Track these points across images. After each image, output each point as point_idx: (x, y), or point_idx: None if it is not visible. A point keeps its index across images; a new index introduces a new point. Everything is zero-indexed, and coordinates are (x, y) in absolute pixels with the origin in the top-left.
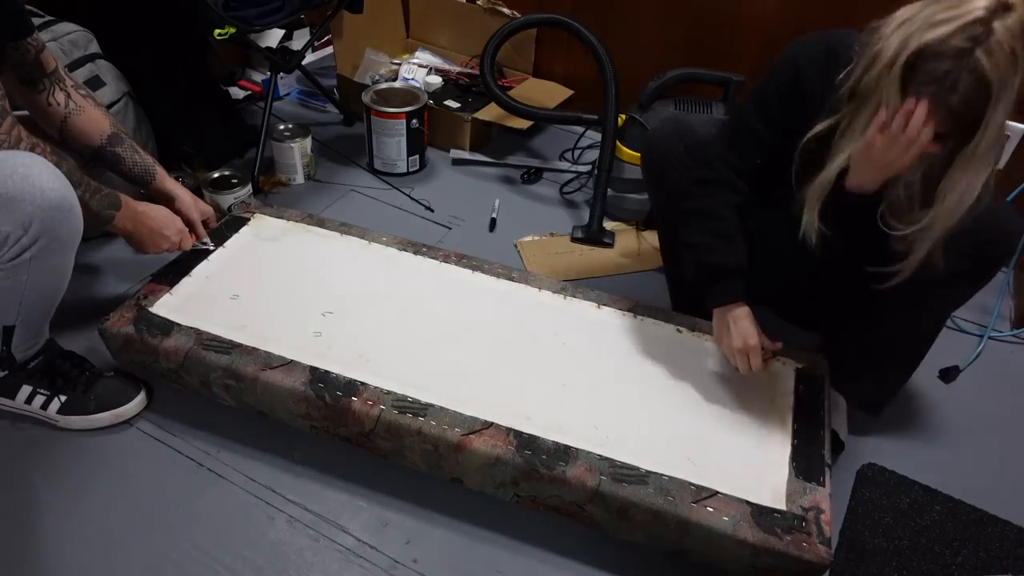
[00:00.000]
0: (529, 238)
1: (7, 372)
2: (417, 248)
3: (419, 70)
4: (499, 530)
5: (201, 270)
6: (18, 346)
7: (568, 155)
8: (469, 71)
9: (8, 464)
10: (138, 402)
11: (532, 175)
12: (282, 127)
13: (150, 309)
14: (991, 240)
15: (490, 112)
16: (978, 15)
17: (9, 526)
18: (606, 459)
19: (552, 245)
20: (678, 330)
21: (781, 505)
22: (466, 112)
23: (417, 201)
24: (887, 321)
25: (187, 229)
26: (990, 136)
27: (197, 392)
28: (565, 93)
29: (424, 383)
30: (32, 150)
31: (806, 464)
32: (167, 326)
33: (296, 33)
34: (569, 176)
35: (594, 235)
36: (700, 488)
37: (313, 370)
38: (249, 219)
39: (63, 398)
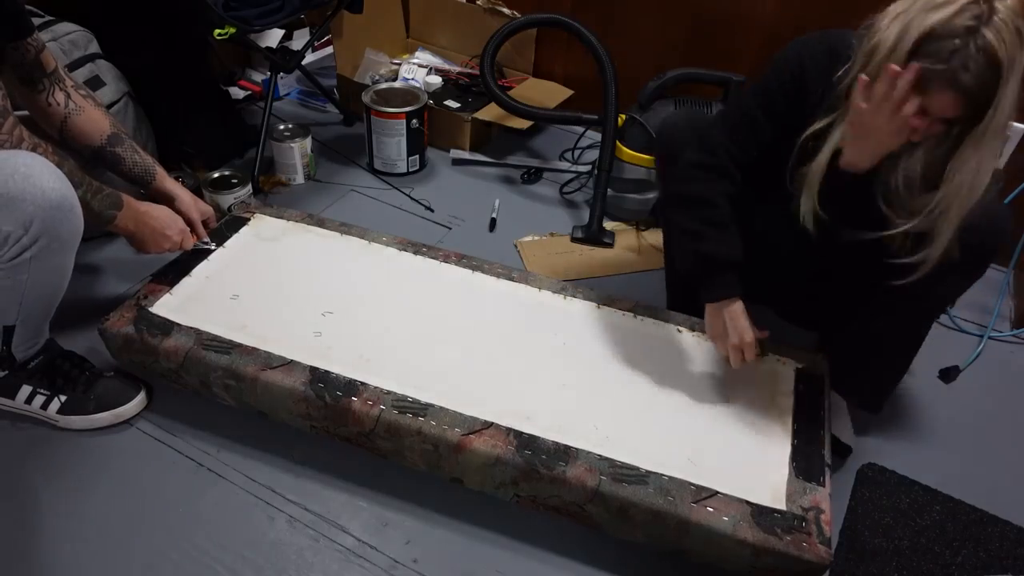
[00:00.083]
0: (529, 238)
1: (7, 372)
2: (417, 248)
3: (419, 70)
4: (499, 530)
5: (201, 270)
6: (18, 346)
7: (568, 155)
8: (469, 71)
9: (8, 464)
10: (138, 402)
11: (532, 175)
12: (282, 127)
13: (150, 309)
14: (978, 228)
15: (490, 112)
16: None
17: (9, 526)
18: (606, 459)
19: (552, 245)
20: (678, 330)
21: (781, 505)
22: (466, 112)
23: (417, 201)
24: (881, 317)
25: (188, 229)
26: (1001, 115)
27: (197, 392)
28: (565, 93)
29: (424, 383)
30: (34, 150)
31: (806, 464)
32: (167, 326)
33: (296, 33)
34: (569, 176)
35: (594, 235)
36: (700, 488)
37: (313, 370)
38: (249, 219)
39: (63, 398)
